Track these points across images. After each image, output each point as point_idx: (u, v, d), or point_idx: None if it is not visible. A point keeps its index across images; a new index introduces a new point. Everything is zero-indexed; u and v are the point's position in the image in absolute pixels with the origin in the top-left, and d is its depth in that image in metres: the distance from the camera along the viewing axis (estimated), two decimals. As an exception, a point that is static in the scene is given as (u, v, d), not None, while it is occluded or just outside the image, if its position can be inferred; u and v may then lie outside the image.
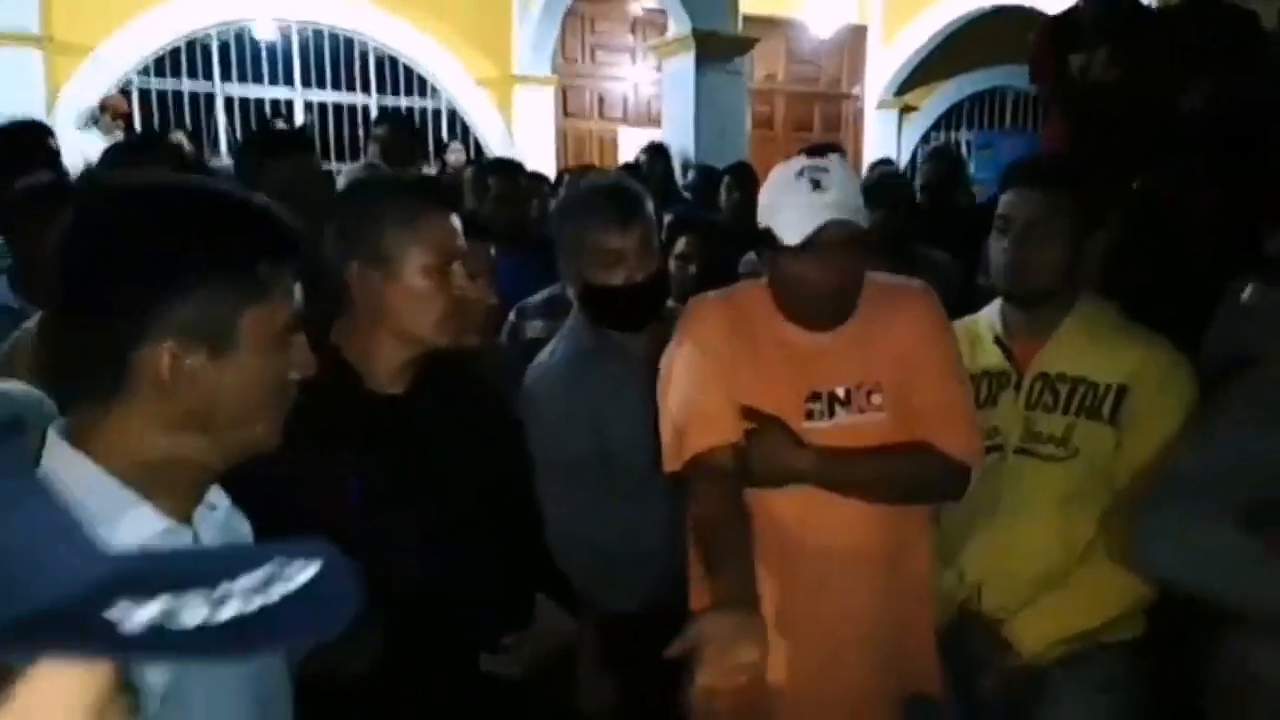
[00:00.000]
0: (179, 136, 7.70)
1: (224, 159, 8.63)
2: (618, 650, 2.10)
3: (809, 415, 1.81)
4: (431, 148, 9.69)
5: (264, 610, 0.44)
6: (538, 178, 5.20)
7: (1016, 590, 1.94)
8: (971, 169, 8.19)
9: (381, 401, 1.65)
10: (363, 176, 3.29)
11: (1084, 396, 1.94)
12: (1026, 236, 1.96)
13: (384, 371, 1.66)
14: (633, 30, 10.95)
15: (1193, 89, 3.42)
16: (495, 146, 9.86)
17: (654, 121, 9.93)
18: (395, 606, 1.45)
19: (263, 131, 6.08)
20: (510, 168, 4.36)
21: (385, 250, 1.60)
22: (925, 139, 12.14)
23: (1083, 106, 3.67)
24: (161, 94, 9.16)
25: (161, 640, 0.42)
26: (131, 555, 0.48)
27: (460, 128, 10.11)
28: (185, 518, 1.06)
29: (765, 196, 1.82)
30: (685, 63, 7.87)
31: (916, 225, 4.61)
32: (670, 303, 2.21)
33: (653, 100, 10.42)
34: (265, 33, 9.56)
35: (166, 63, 9.15)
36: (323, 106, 9.80)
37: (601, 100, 10.99)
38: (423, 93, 10.12)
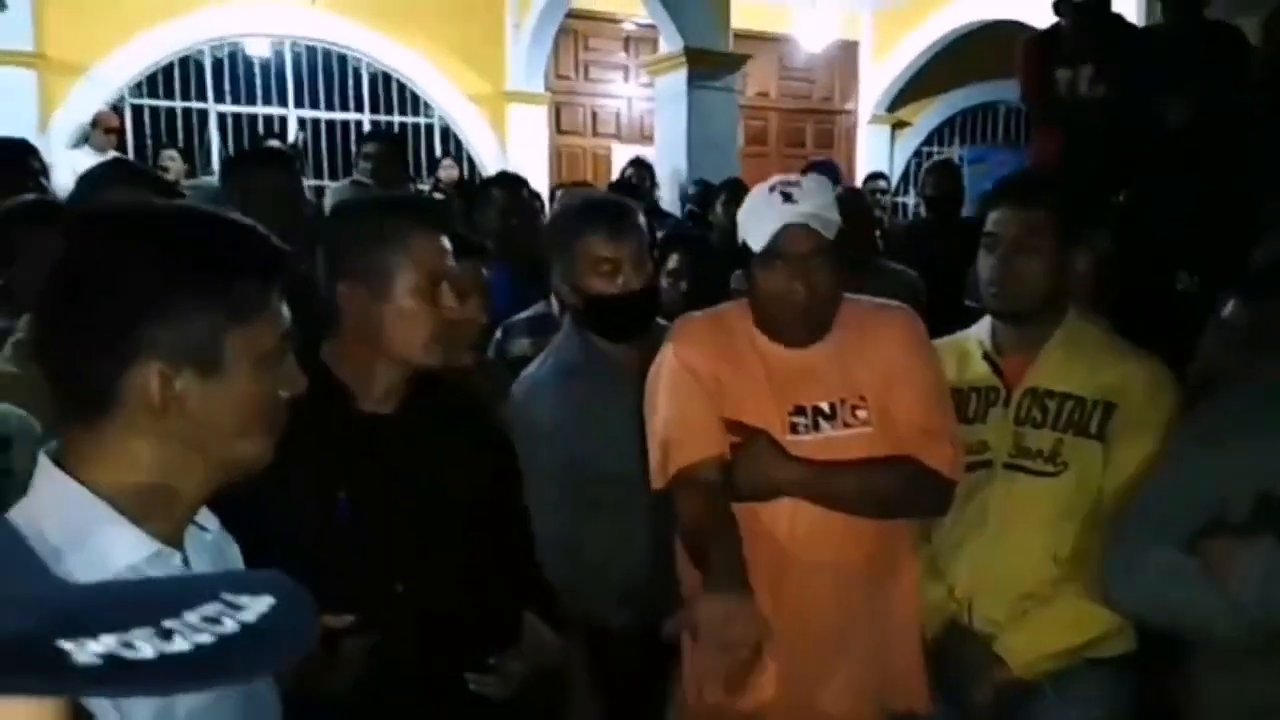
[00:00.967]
0: (172, 155, 7.73)
1: (217, 176, 8.65)
2: (606, 666, 2.10)
3: (794, 429, 1.83)
4: (425, 165, 9.72)
5: (219, 642, 0.44)
6: (532, 195, 5.21)
7: (1006, 604, 1.95)
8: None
9: (371, 421, 1.65)
10: (353, 196, 3.30)
11: (1072, 412, 1.95)
12: (1013, 253, 1.97)
13: (374, 391, 1.66)
14: (626, 48, 10.99)
15: (1176, 105, 3.44)
16: (488, 163, 9.88)
17: (647, 138, 9.96)
18: (382, 624, 1.45)
19: (244, 149, 6.09)
20: (513, 181, 4.38)
21: (373, 270, 1.60)
22: (917, 154, 12.17)
23: (1068, 122, 3.69)
24: (155, 111, 9.17)
25: (115, 672, 0.41)
26: (80, 587, 0.48)
27: (454, 144, 10.12)
28: (175, 540, 1.07)
29: (742, 211, 1.86)
30: (678, 80, 7.90)
31: (919, 237, 4.62)
32: (660, 320, 2.22)
33: (646, 117, 10.45)
34: (258, 50, 9.58)
35: (160, 80, 9.17)
36: (316, 124, 9.81)
37: (595, 117, 11.02)
38: (416, 110, 10.14)
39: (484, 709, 1.67)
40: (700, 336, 1.89)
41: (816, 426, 1.83)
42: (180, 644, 0.43)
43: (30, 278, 2.24)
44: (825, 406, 1.84)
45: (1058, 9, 3.82)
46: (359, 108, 9.92)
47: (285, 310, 1.09)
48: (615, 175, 9.31)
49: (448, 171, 8.18)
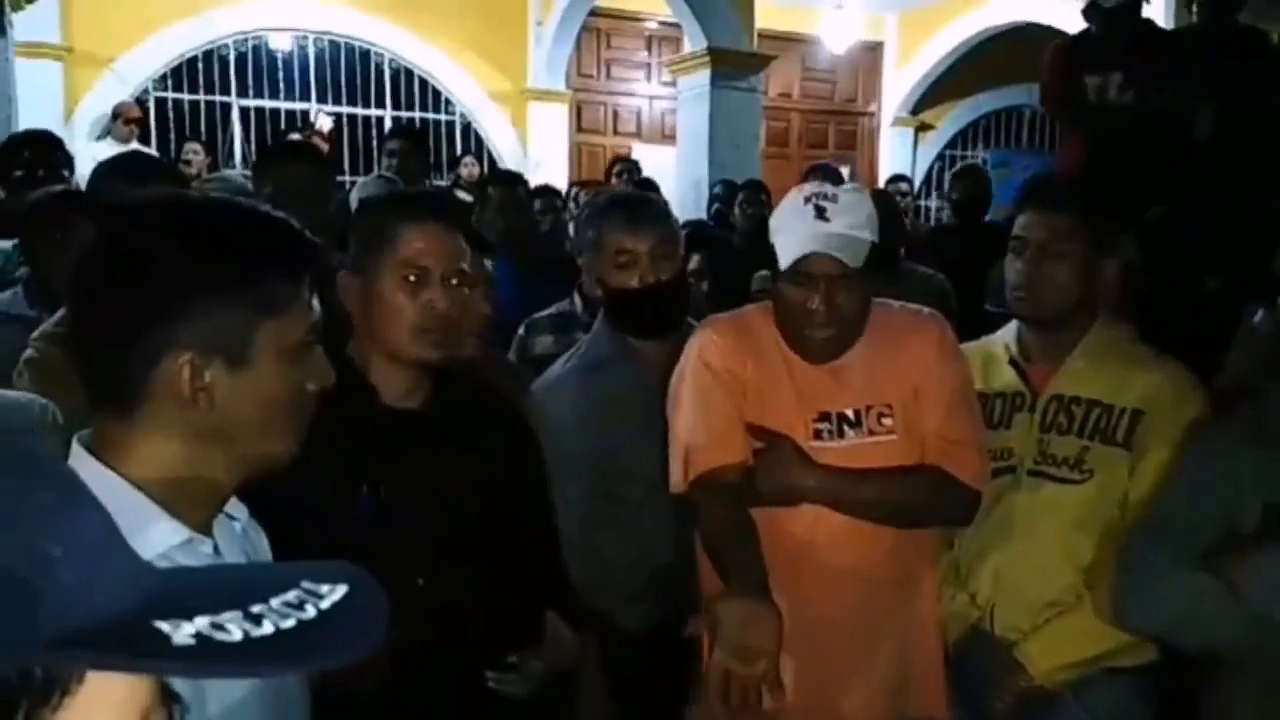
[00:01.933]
0: (195, 148, 7.77)
1: (239, 170, 8.69)
2: (622, 665, 2.10)
3: (817, 435, 1.82)
4: (445, 161, 9.74)
5: (302, 626, 0.45)
6: (550, 192, 5.23)
7: (1028, 612, 1.94)
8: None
9: (395, 416, 1.66)
10: (370, 192, 3.31)
11: (1099, 420, 1.93)
12: (1041, 259, 1.95)
13: (396, 385, 1.66)
14: (648, 46, 10.98)
15: (1204, 116, 3.41)
16: (509, 161, 9.89)
17: (668, 138, 9.95)
18: (402, 619, 1.45)
19: (275, 143, 6.13)
20: (509, 178, 4.41)
21: (363, 262, 1.62)
22: (940, 157, 12.13)
23: (1096, 128, 3.66)
24: (178, 105, 9.21)
25: (208, 653, 0.43)
26: (169, 571, 0.49)
27: (474, 141, 10.14)
28: (205, 528, 1.08)
29: (774, 218, 1.84)
30: (700, 79, 7.89)
31: (944, 241, 4.60)
32: (690, 319, 2.21)
33: (667, 116, 10.44)
34: (281, 45, 9.62)
35: (183, 74, 9.20)
36: (337, 119, 9.83)
37: (616, 116, 11.01)
38: (437, 107, 10.16)
39: (502, 706, 1.67)
40: (724, 339, 1.87)
41: (841, 433, 1.82)
42: (266, 628, 0.45)
43: (57, 268, 2.25)
44: (850, 413, 1.83)
45: (1088, 14, 3.80)
46: (381, 104, 9.93)
47: (315, 304, 1.10)
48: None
49: (469, 169, 8.19)
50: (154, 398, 1.01)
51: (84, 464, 1.01)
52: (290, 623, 0.45)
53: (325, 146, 3.95)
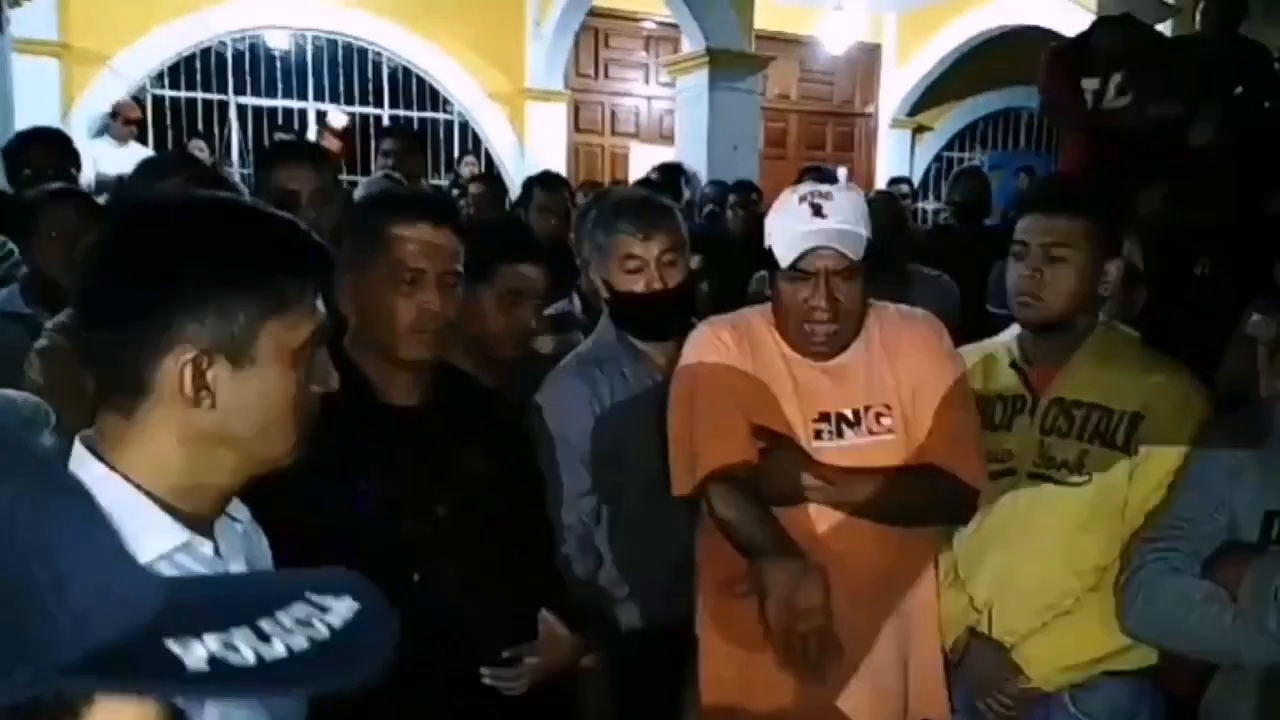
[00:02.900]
0: (199, 145, 7.77)
1: (236, 168, 8.69)
2: (622, 664, 2.10)
3: (818, 435, 1.83)
4: (443, 160, 9.73)
5: (315, 647, 0.45)
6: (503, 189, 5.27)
7: (1026, 614, 1.94)
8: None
9: (394, 413, 1.66)
10: (365, 192, 3.31)
11: (1098, 423, 1.93)
12: (1042, 263, 1.95)
13: (393, 383, 1.67)
14: (646, 47, 10.98)
15: (1201, 122, 3.42)
16: (507, 160, 9.89)
17: (666, 138, 9.96)
18: (400, 617, 1.45)
19: (279, 141, 6.13)
20: (492, 179, 4.41)
21: (357, 262, 1.63)
22: (938, 159, 12.14)
23: (1094, 132, 3.67)
24: (175, 103, 9.20)
25: (222, 677, 0.42)
26: (173, 581, 0.47)
27: (472, 141, 10.13)
28: (206, 530, 1.07)
29: (770, 217, 1.85)
30: (699, 80, 7.90)
31: (944, 243, 4.60)
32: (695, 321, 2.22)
33: (665, 116, 10.45)
34: (279, 43, 9.61)
35: (181, 72, 9.19)
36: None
37: (614, 116, 11.01)
38: (435, 106, 10.15)
39: (497, 703, 1.67)
40: (724, 340, 1.88)
41: (840, 433, 1.83)
42: (278, 648, 0.44)
43: (60, 265, 2.25)
44: (849, 413, 1.84)
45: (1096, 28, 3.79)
46: (379, 102, 9.92)
47: (321, 306, 1.10)
48: (633, 174, 9.32)
49: (469, 168, 8.18)
50: (157, 396, 1.01)
51: (85, 464, 1.01)
52: (302, 643, 0.45)
53: (337, 144, 3.93)
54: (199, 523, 1.06)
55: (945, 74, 11.42)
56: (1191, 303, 2.55)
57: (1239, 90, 3.62)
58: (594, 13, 10.02)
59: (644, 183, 6.06)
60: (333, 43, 9.70)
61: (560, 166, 10.01)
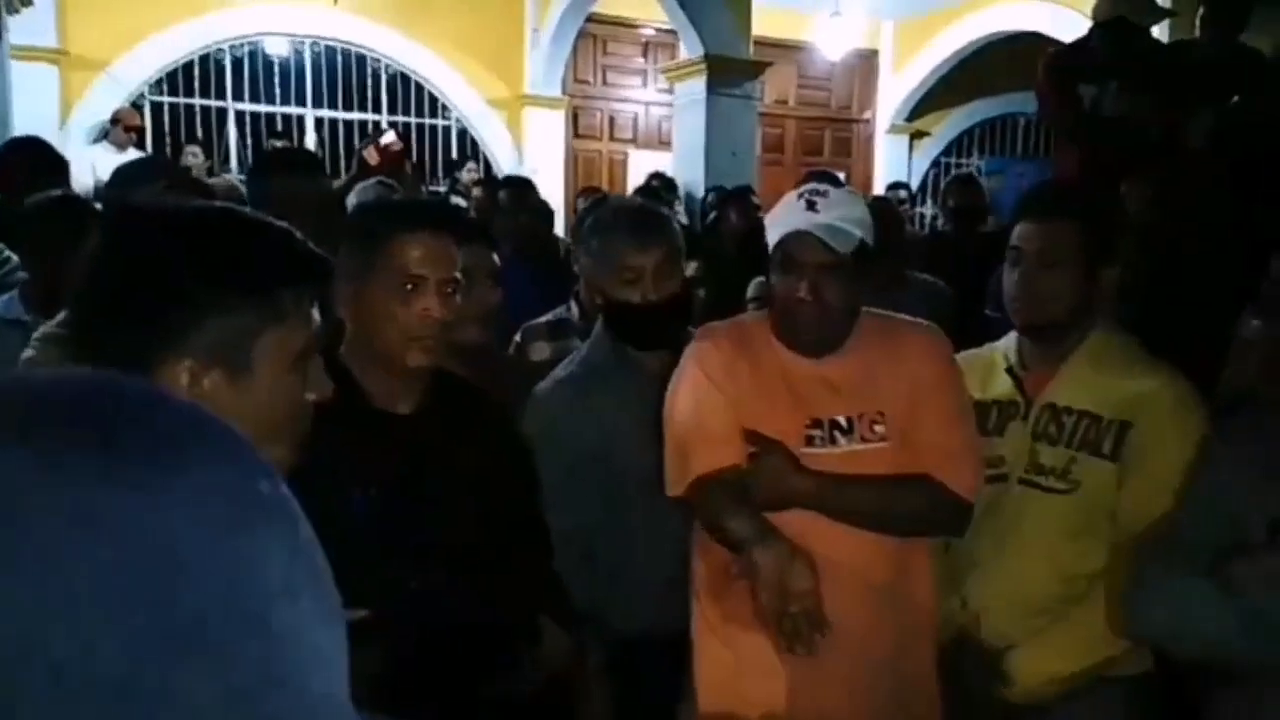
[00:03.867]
0: (194, 150, 7.77)
1: (235, 174, 8.69)
2: (619, 669, 2.11)
3: (810, 441, 1.83)
4: (441, 166, 9.74)
5: None
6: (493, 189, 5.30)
7: (1014, 620, 1.94)
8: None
9: (387, 419, 1.66)
10: (375, 196, 3.31)
11: (1087, 430, 1.93)
12: (1038, 268, 1.95)
13: (388, 390, 1.67)
14: (644, 53, 11.00)
15: (1197, 121, 3.43)
16: (505, 166, 9.89)
17: (664, 144, 9.97)
18: (393, 621, 1.45)
19: (274, 150, 6.14)
20: (520, 183, 4.45)
21: (356, 270, 1.63)
22: (936, 164, 12.16)
23: (1091, 138, 3.67)
24: (174, 109, 9.21)
25: None
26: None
27: (470, 147, 10.14)
28: None
29: (768, 216, 1.89)
30: (697, 86, 7.91)
31: (940, 249, 4.61)
32: (691, 329, 2.22)
33: (663, 122, 10.46)
34: (278, 50, 9.62)
35: (179, 78, 9.19)
36: (334, 124, 9.83)
37: (612, 122, 11.02)
38: (434, 112, 10.16)
39: (494, 710, 1.68)
40: (721, 345, 1.89)
41: (833, 440, 1.84)
42: None
43: (57, 271, 2.26)
44: (843, 420, 1.84)
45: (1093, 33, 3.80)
46: (377, 108, 9.93)
47: (316, 315, 1.10)
48: (631, 180, 9.33)
49: (469, 174, 8.18)
50: None
51: None
52: None
53: (376, 158, 3.87)
54: None
55: (942, 80, 11.44)
56: (1182, 303, 2.56)
57: (1235, 97, 3.63)
58: (592, 19, 10.03)
59: (643, 191, 6.09)
60: (331, 49, 9.71)
61: (559, 172, 10.06)
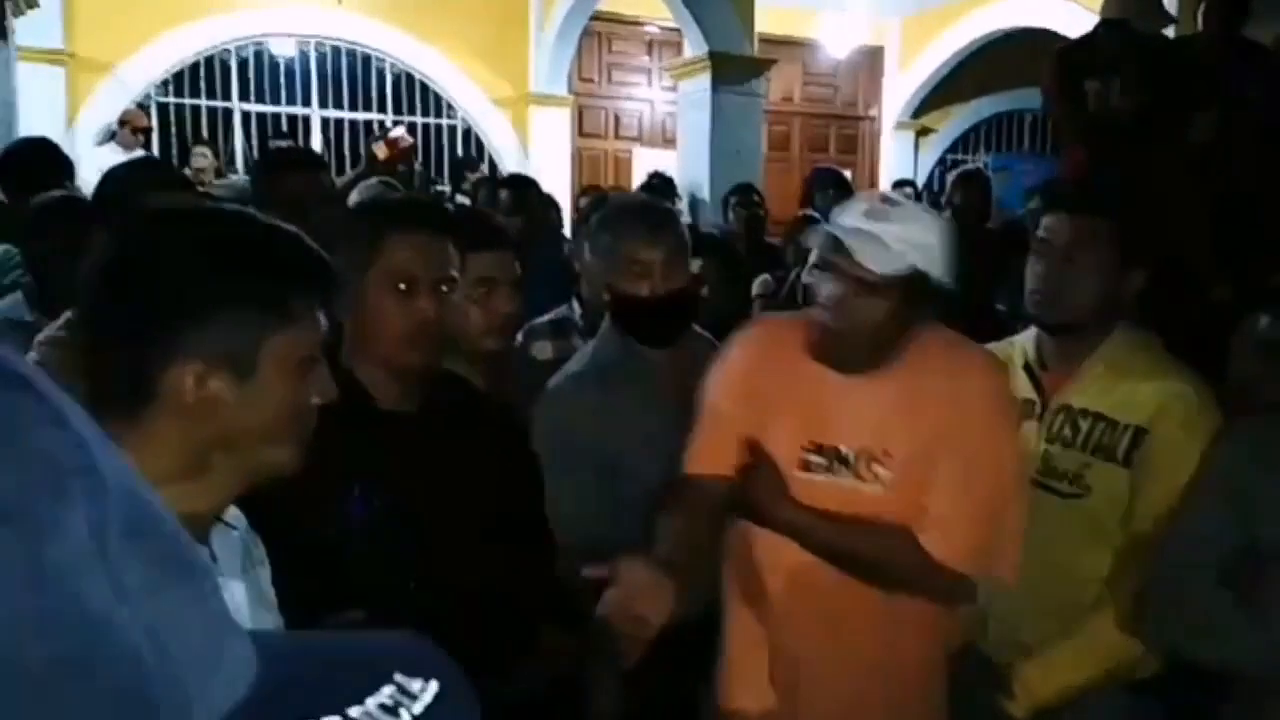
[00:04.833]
0: (203, 151, 7.79)
1: (240, 174, 8.70)
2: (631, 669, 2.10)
3: (806, 466, 1.75)
4: (447, 166, 9.75)
5: None
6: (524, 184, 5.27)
7: (1022, 625, 1.91)
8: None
9: (388, 419, 1.66)
10: (361, 198, 3.31)
11: (1101, 435, 1.87)
12: (1064, 263, 1.89)
13: (390, 389, 1.66)
14: (649, 51, 10.99)
15: (1202, 119, 3.41)
16: (510, 165, 9.89)
17: (669, 142, 9.96)
18: (393, 622, 1.45)
19: (277, 150, 6.15)
20: (522, 182, 4.44)
21: (351, 268, 1.61)
22: (942, 161, 12.13)
23: (1096, 133, 3.66)
24: (180, 110, 9.24)
25: None
26: (267, 650, 0.45)
27: (475, 146, 10.15)
28: (202, 536, 1.08)
29: (837, 207, 1.78)
30: (701, 84, 7.89)
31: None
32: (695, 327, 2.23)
33: (668, 120, 10.45)
34: (283, 50, 9.64)
35: (185, 79, 9.23)
36: (339, 124, 9.85)
37: (617, 120, 11.02)
38: (439, 111, 10.17)
39: (497, 711, 1.67)
40: (758, 343, 1.85)
41: (831, 469, 1.73)
42: None
43: (62, 273, 2.26)
44: (844, 450, 1.73)
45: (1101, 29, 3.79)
46: (382, 108, 9.94)
47: (323, 318, 1.10)
48: (636, 178, 9.32)
49: (478, 176, 8.16)
50: (158, 405, 1.02)
51: None
52: None
53: (385, 152, 3.86)
54: (194, 530, 1.06)
55: (948, 76, 11.41)
56: (1209, 325, 2.52)
57: (1238, 92, 3.61)
58: (597, 17, 10.03)
59: (643, 190, 6.09)
60: (336, 49, 9.73)
61: (564, 171, 10.06)
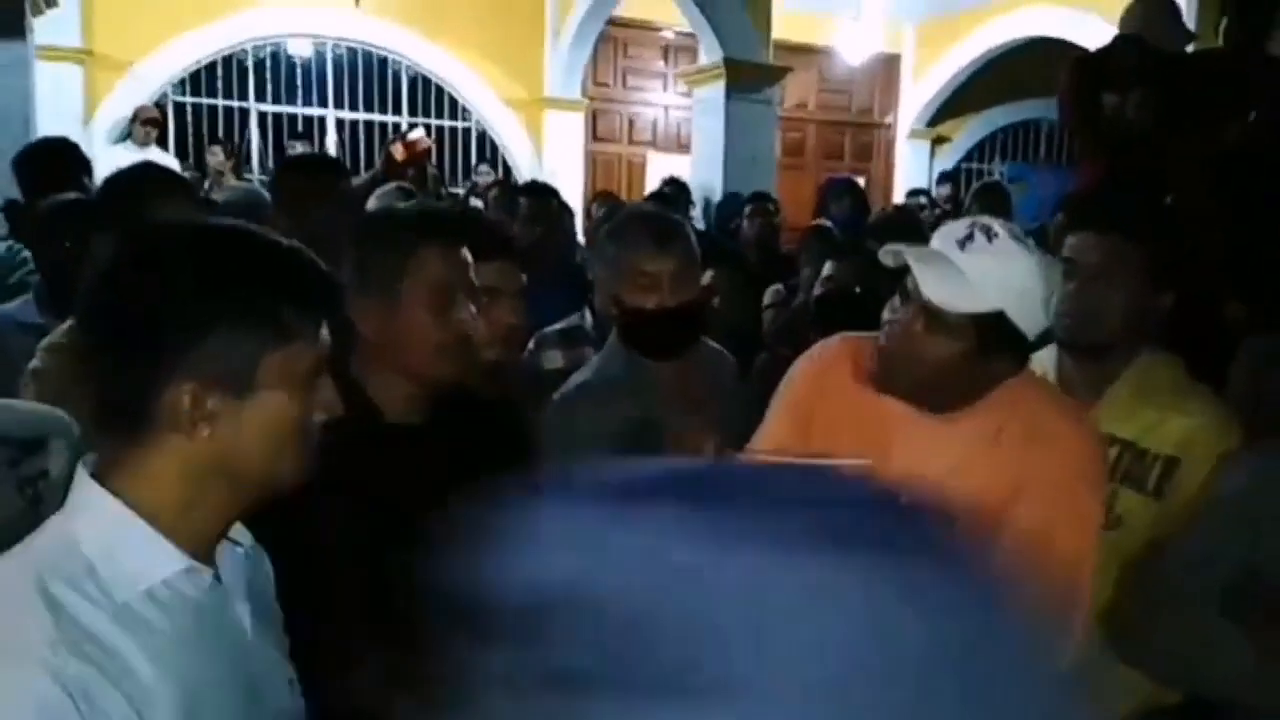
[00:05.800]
0: (215, 150, 7.82)
1: (255, 174, 8.74)
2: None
3: None
4: (461, 169, 9.77)
5: None
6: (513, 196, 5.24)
7: None
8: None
9: (398, 432, 1.65)
10: (377, 208, 3.30)
11: (1131, 463, 1.81)
12: (1091, 283, 1.82)
13: (400, 402, 1.65)
14: (664, 56, 11.00)
15: (1224, 133, 3.38)
16: (524, 168, 9.92)
17: (683, 147, 9.96)
18: (403, 637, 1.44)
19: (297, 155, 6.17)
20: (543, 190, 4.41)
21: (382, 282, 1.60)
22: (957, 170, 12.09)
23: (1113, 146, 3.63)
24: (196, 109, 9.28)
25: None
26: None
27: (490, 149, 10.16)
28: (207, 556, 1.08)
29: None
30: (716, 91, 7.88)
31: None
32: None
33: (682, 125, 10.45)
34: (300, 51, 9.67)
35: (202, 78, 9.27)
36: (354, 125, 9.88)
37: (631, 125, 11.03)
38: (454, 114, 10.19)
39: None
40: (819, 364, 1.77)
41: None
42: None
43: (69, 276, 2.26)
44: None
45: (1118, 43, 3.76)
46: (397, 110, 9.97)
47: (325, 334, 1.09)
48: (650, 183, 9.32)
49: (483, 177, 8.19)
50: (158, 424, 1.01)
51: (87, 488, 1.02)
52: None
53: (402, 153, 3.84)
54: (200, 549, 1.06)
55: (964, 85, 11.38)
56: (1226, 343, 2.47)
57: (1258, 109, 3.58)
58: (613, 22, 10.04)
59: (655, 197, 6.07)
60: (353, 51, 9.77)
61: (577, 175, 10.07)
